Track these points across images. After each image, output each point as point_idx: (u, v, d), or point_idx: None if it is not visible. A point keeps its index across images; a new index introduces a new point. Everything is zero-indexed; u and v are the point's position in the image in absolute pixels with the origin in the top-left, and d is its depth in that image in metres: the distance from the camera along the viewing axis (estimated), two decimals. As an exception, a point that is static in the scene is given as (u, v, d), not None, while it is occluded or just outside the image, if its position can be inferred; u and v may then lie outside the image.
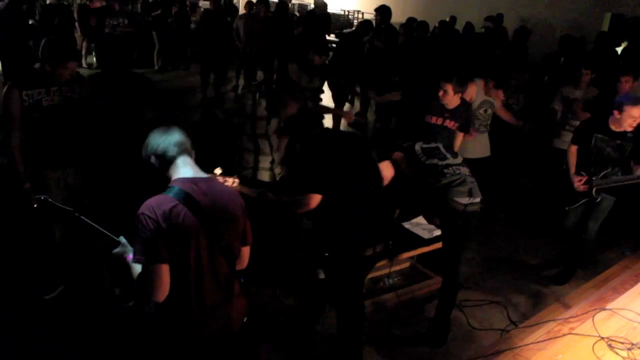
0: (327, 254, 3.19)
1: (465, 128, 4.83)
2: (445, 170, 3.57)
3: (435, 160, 3.60)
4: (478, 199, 3.60)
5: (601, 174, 4.29)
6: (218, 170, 3.07)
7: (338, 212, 3.08)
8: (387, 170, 3.47)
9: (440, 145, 3.77)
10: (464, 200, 3.53)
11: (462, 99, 4.68)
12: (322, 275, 3.14)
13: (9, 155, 3.64)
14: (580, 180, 4.32)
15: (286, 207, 3.26)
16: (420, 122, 4.68)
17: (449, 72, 4.65)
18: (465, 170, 3.64)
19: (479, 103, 5.06)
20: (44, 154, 3.69)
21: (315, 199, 3.01)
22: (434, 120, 4.66)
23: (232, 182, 3.06)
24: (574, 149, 4.46)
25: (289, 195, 3.17)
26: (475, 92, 5.01)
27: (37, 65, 3.70)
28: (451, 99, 4.57)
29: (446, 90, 4.52)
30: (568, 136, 5.67)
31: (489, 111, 5.16)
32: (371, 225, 3.15)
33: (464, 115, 4.74)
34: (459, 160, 3.73)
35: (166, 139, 2.25)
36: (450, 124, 4.67)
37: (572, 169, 4.43)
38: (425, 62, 7.38)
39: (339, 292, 3.30)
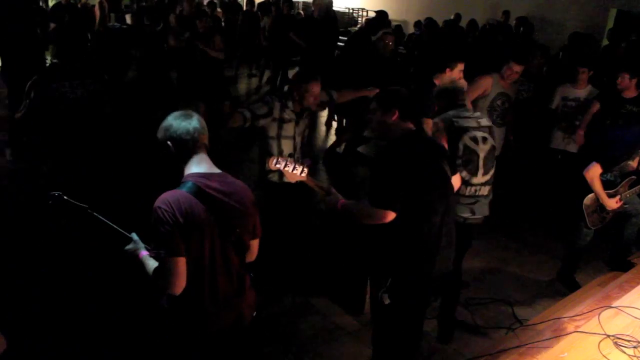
0: (393, 280, 2.81)
1: None
2: (463, 186, 3.53)
3: (464, 173, 3.49)
4: (480, 216, 3.64)
5: (627, 184, 4.20)
6: (288, 160, 3.02)
7: (419, 234, 2.74)
8: (456, 184, 3.17)
9: (483, 153, 3.52)
10: (465, 214, 3.57)
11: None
12: (387, 301, 2.81)
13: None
14: (618, 202, 4.17)
15: (354, 215, 2.86)
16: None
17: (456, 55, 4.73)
18: (484, 190, 3.60)
19: (495, 94, 5.10)
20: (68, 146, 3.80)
21: (391, 216, 2.67)
22: None
23: (300, 170, 2.97)
24: (598, 172, 4.02)
25: (362, 203, 2.78)
26: (490, 84, 5.06)
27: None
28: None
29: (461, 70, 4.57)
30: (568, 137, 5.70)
31: (506, 104, 5.19)
32: (448, 248, 2.87)
33: None
34: (487, 177, 3.60)
35: (189, 125, 2.21)
36: None
37: (604, 195, 4.10)
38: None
39: (403, 317, 2.94)
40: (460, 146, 3.44)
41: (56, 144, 3.92)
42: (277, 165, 2.99)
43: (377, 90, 4.61)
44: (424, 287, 2.89)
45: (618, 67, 5.38)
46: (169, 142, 2.23)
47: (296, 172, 2.97)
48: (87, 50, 4.11)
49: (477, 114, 3.70)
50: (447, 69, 4.62)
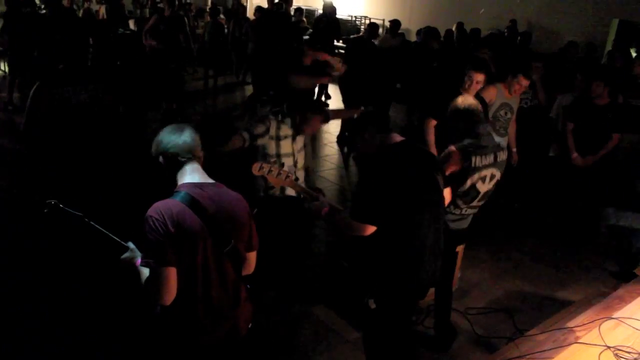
0: (377, 287, 2.87)
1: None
2: (452, 206, 3.52)
3: (460, 202, 3.48)
4: (466, 224, 3.66)
5: None
6: (271, 165, 2.99)
7: (400, 247, 2.73)
8: (447, 197, 3.12)
9: (484, 190, 3.52)
10: (453, 225, 3.59)
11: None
12: (373, 306, 2.83)
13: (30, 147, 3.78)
14: None
15: (335, 225, 2.89)
16: (443, 114, 4.65)
17: (475, 63, 4.74)
18: (472, 211, 3.63)
19: (499, 105, 5.13)
20: (70, 150, 3.82)
21: (370, 230, 2.68)
22: None
23: (285, 175, 2.93)
24: None
25: (345, 214, 2.80)
26: (495, 94, 5.08)
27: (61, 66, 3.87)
28: (474, 88, 4.63)
29: (471, 78, 4.56)
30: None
31: (509, 114, 5.20)
32: (433, 258, 2.83)
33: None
34: (480, 203, 3.60)
35: (179, 139, 2.22)
36: None
37: None
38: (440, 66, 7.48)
39: (389, 323, 2.96)
40: (468, 182, 3.43)
41: (59, 149, 3.92)
42: (260, 171, 2.96)
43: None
44: (408, 295, 2.89)
45: (594, 74, 5.36)
46: (160, 157, 2.25)
47: (280, 177, 2.94)
48: (90, 55, 4.16)
49: (493, 137, 3.68)
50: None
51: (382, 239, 2.71)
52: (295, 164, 4.04)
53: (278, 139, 3.91)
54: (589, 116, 5.28)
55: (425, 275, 2.81)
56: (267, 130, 3.87)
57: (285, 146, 3.95)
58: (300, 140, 4.05)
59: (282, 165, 3.79)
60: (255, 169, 2.97)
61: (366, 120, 2.89)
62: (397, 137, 2.82)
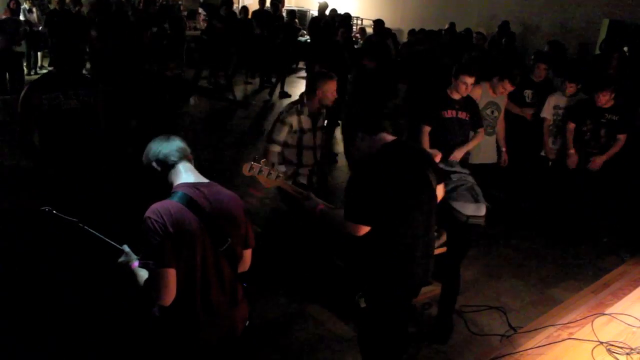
0: (367, 285, 2.87)
1: (478, 122, 4.89)
2: (452, 175, 3.59)
3: (441, 164, 3.57)
4: (482, 212, 3.61)
5: None
6: (262, 166, 2.96)
7: (391, 245, 2.72)
8: (440, 194, 2.98)
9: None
10: (468, 210, 3.55)
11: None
12: (362, 305, 2.83)
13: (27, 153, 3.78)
14: None
15: (330, 223, 2.86)
16: (436, 119, 4.67)
17: (466, 66, 4.78)
18: (471, 179, 3.69)
19: (485, 103, 5.15)
20: (62, 157, 3.80)
21: (364, 230, 2.67)
22: (448, 114, 4.70)
23: (275, 175, 2.92)
24: None
25: (339, 212, 2.76)
26: (480, 94, 5.09)
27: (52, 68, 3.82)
28: (465, 91, 4.65)
29: (466, 83, 4.57)
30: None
31: (496, 113, 5.23)
32: (426, 256, 2.83)
33: (471, 106, 4.81)
34: (467, 170, 3.77)
35: (168, 145, 2.30)
36: (462, 114, 4.74)
37: None
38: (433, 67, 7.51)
39: (380, 322, 2.94)
40: None
41: (50, 156, 3.85)
42: (251, 172, 2.94)
43: None
44: (398, 293, 2.86)
45: (602, 82, 5.37)
46: (154, 164, 2.29)
47: (271, 177, 2.92)
48: (83, 58, 4.09)
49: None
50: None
51: (372, 238, 2.71)
52: (315, 157, 4.24)
53: (302, 132, 4.08)
54: (596, 119, 5.31)
55: (417, 274, 2.81)
56: (291, 127, 4.04)
57: (307, 139, 4.14)
58: (320, 133, 4.24)
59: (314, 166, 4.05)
60: (246, 169, 2.94)
61: (354, 125, 2.90)
62: (388, 137, 2.80)
